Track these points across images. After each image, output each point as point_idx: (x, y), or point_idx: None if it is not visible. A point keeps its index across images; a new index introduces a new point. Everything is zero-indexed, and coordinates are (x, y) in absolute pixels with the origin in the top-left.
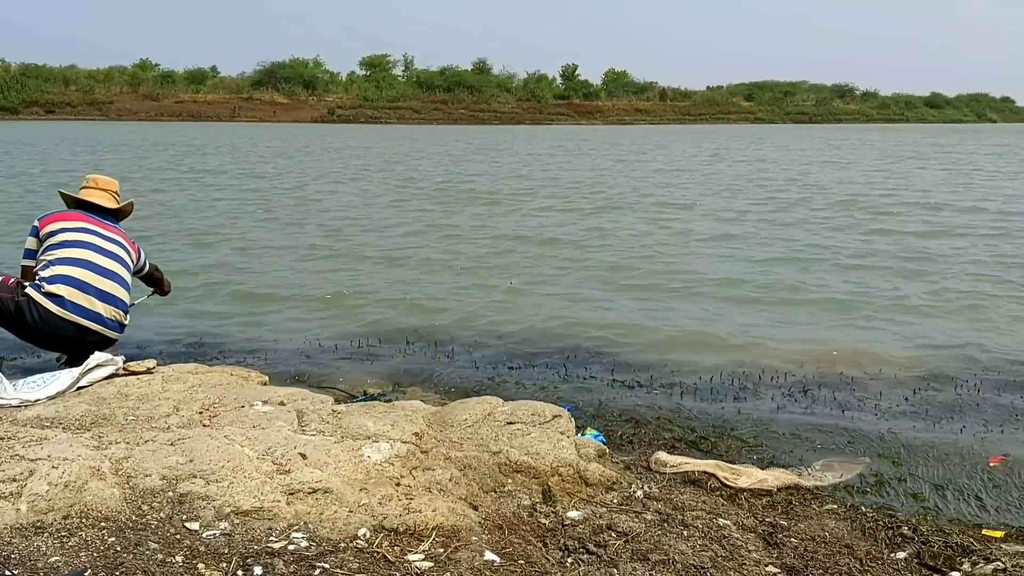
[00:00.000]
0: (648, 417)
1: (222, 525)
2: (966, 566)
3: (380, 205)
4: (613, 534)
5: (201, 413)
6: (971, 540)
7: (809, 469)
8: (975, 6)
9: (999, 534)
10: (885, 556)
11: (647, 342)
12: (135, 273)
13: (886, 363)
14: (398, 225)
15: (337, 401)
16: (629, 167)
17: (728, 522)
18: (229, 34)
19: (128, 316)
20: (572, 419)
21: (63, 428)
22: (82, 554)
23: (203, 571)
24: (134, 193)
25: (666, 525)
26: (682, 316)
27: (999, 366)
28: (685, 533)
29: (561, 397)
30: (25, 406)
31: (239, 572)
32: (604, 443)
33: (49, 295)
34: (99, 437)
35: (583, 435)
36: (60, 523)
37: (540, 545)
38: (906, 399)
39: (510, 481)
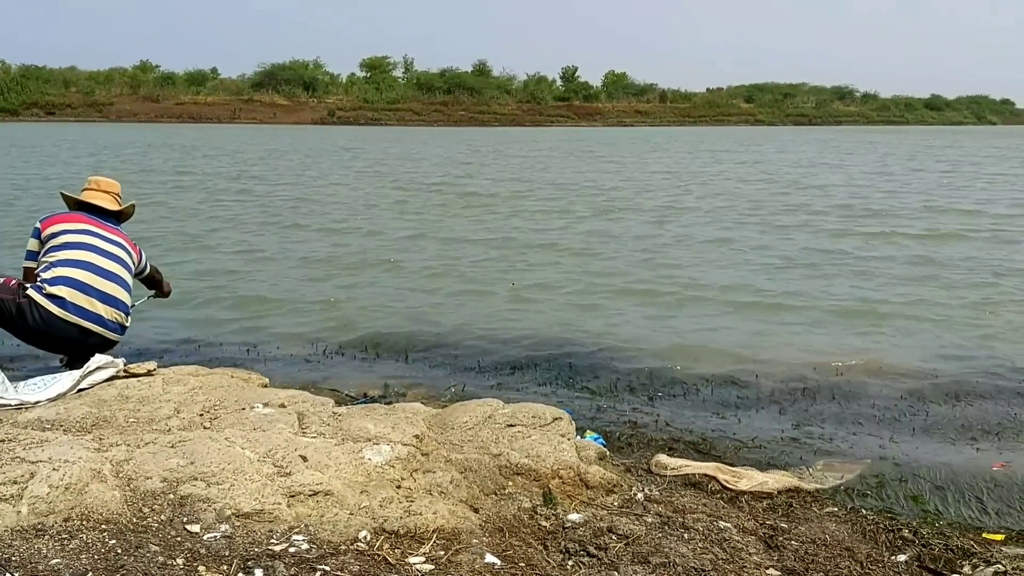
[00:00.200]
0: (648, 420)
1: (223, 527)
2: (967, 569)
3: (381, 207)
4: (614, 537)
5: (202, 415)
6: (972, 543)
7: (810, 472)
8: (974, 13)
9: (1000, 537)
10: (886, 559)
11: (647, 345)
12: (136, 275)
13: (886, 367)
14: (399, 228)
15: (338, 403)
16: (629, 169)
17: (729, 525)
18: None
19: (129, 318)
20: (572, 422)
21: (64, 430)
22: (83, 556)
23: (204, 573)
24: (135, 195)
25: (667, 528)
26: (682, 319)
27: (1000, 370)
28: (686, 536)
29: (561, 400)
30: (26, 408)
31: (240, 574)
32: (604, 446)
33: (50, 296)
34: (100, 439)
35: (583, 438)
36: (61, 525)
37: (541, 548)
38: (906, 403)
39: (511, 484)
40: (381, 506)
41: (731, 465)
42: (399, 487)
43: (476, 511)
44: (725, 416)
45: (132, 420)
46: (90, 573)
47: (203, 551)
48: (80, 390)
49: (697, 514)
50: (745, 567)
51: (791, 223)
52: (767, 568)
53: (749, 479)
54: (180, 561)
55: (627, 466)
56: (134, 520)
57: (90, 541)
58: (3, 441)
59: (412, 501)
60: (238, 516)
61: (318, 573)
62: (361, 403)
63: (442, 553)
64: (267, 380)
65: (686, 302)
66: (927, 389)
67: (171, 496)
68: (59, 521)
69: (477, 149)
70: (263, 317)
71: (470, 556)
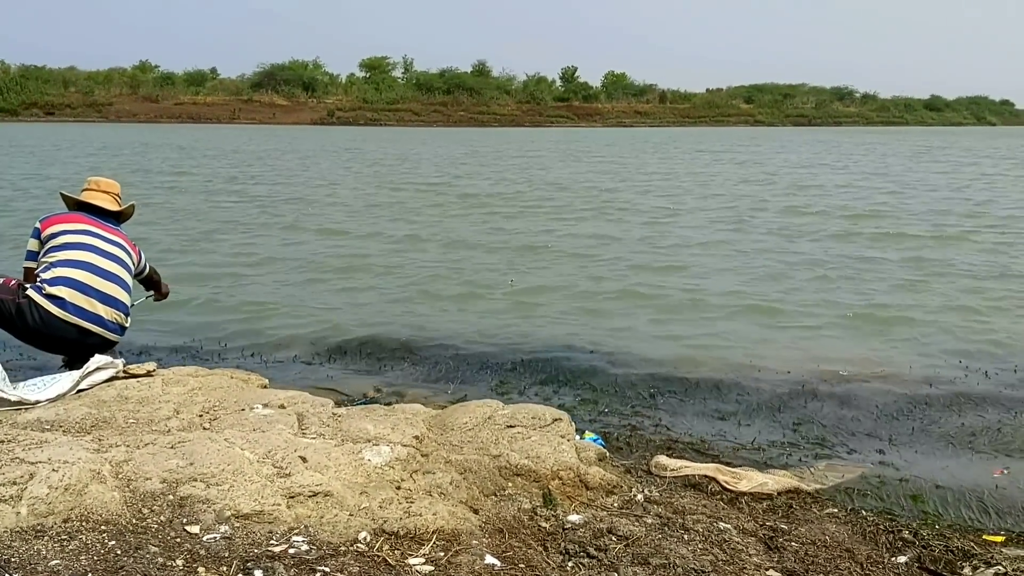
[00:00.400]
0: (648, 421)
1: (222, 529)
2: (967, 570)
3: (380, 208)
4: (614, 538)
5: (201, 416)
6: (972, 544)
7: (810, 473)
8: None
9: (1000, 539)
10: (886, 560)
11: (646, 347)
12: (135, 275)
13: (886, 369)
14: (398, 228)
15: (337, 404)
16: (629, 170)
17: (729, 526)
18: (229, 36)
19: (129, 318)
20: (572, 423)
21: (63, 431)
22: (82, 558)
23: (203, 575)
24: (134, 196)
25: (667, 529)
26: (681, 321)
27: (1001, 374)
28: (686, 537)
29: (561, 401)
30: (25, 408)
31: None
32: (604, 447)
33: (50, 297)
34: (99, 440)
35: (583, 439)
36: (60, 526)
37: (540, 549)
38: (907, 404)
39: (510, 485)
40: (381, 507)
41: (731, 466)
42: (399, 488)
43: (476, 512)
44: (725, 417)
45: (132, 421)
46: (89, 574)
47: (202, 552)
48: (79, 391)
49: (697, 515)
50: (745, 568)
51: (791, 224)
52: (767, 569)
53: (749, 480)
54: (179, 562)
55: (627, 467)
56: (133, 521)
57: (89, 542)
58: (2, 442)
59: (412, 502)
60: (238, 517)
61: (318, 574)
62: (361, 404)
63: (442, 554)
64: (267, 381)
65: (686, 304)
66: (927, 392)
67: (170, 497)
68: (58, 522)
69: (476, 150)
70: (262, 318)
71: (470, 557)
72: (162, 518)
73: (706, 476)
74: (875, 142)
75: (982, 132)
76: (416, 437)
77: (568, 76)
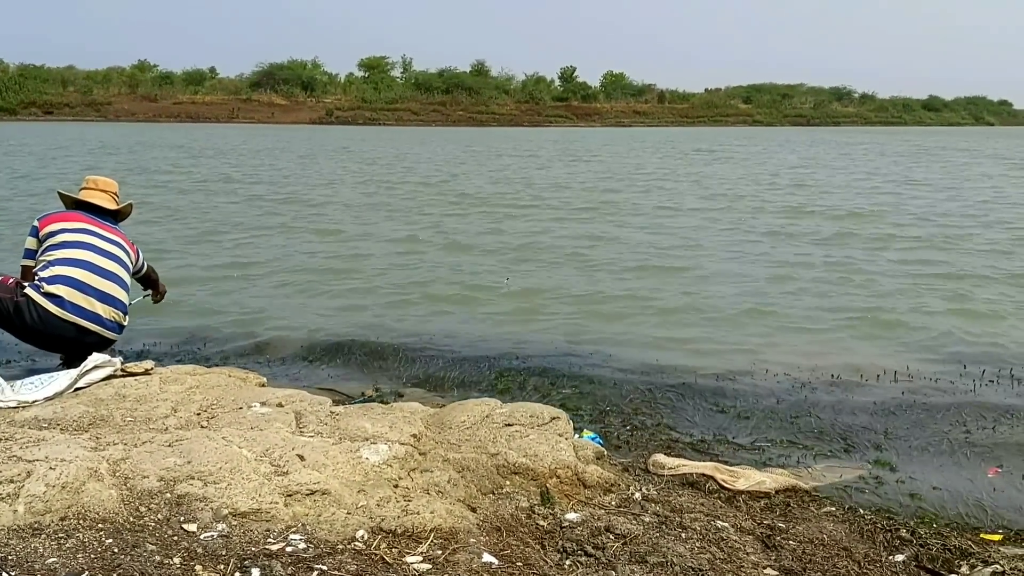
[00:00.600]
0: (646, 419)
1: (220, 527)
2: (964, 569)
3: (378, 208)
4: (611, 536)
5: (199, 414)
6: (969, 543)
7: (808, 471)
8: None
9: (997, 537)
10: (883, 559)
11: (645, 346)
12: (133, 274)
13: (885, 368)
14: (396, 228)
15: (335, 403)
16: (628, 169)
17: (726, 524)
18: (227, 35)
19: (127, 317)
20: (570, 421)
21: (61, 429)
22: (79, 556)
23: (201, 573)
24: (132, 196)
25: (664, 527)
26: (681, 320)
27: (1000, 374)
28: (683, 535)
29: (559, 399)
30: (23, 407)
31: (237, 574)
32: (602, 445)
33: (48, 295)
34: (97, 438)
35: (581, 437)
36: (57, 524)
37: (538, 547)
38: (904, 404)
39: (508, 483)
40: (378, 505)
41: (729, 465)
42: (396, 486)
43: (473, 510)
44: (723, 416)
45: (129, 419)
46: (86, 572)
47: (200, 550)
48: (77, 389)
49: (695, 513)
50: (743, 567)
51: (791, 225)
52: (765, 568)
53: (747, 478)
54: (177, 560)
55: (625, 465)
56: (131, 519)
57: (86, 540)
58: (0, 440)
59: (409, 500)
60: (235, 515)
61: (315, 572)
62: (359, 402)
63: (439, 552)
64: (264, 379)
65: (685, 304)
66: (925, 392)
67: (168, 495)
68: (55, 520)
69: (475, 150)
70: (261, 317)
71: (467, 555)
72: (159, 516)
73: (704, 474)
74: (874, 142)
75: (980, 132)
76: (414, 435)
77: (567, 76)
